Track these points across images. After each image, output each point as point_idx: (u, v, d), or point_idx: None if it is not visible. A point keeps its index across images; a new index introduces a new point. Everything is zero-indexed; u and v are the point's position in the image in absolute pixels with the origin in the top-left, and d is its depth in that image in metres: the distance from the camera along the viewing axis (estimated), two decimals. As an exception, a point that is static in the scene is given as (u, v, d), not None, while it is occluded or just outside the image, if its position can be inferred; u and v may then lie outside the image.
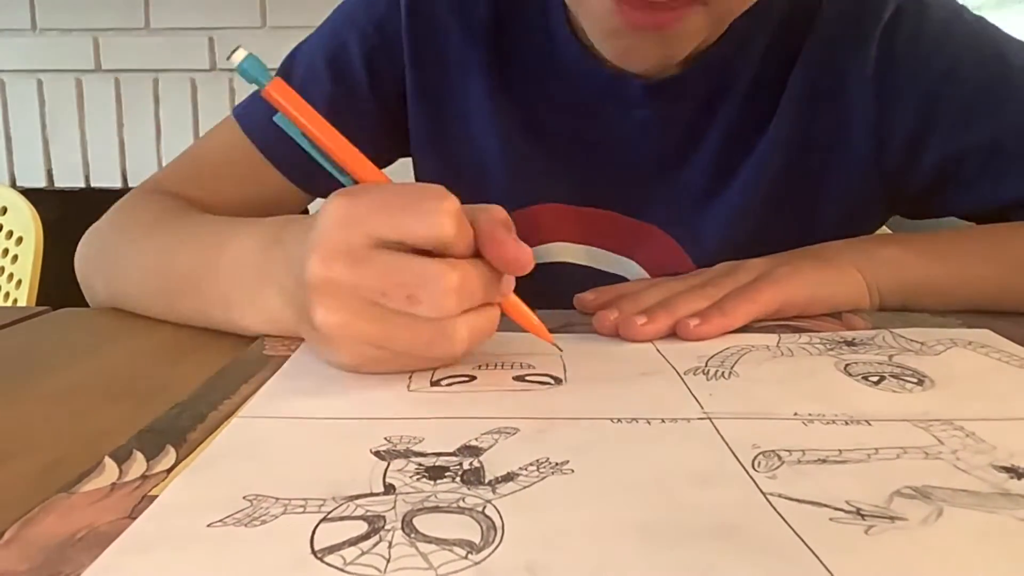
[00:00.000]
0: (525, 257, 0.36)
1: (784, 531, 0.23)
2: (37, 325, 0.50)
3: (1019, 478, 0.27)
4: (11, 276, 1.34)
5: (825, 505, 0.25)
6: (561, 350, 0.41)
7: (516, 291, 0.39)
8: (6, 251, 1.36)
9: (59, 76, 1.94)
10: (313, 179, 0.62)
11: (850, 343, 0.42)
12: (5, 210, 1.38)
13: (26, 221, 1.33)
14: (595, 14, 0.48)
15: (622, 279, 0.63)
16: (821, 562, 0.21)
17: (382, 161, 0.65)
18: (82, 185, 1.96)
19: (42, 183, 1.95)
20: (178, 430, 0.31)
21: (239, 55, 0.37)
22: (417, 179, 0.66)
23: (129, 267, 0.52)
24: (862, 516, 0.24)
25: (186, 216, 0.54)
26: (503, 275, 0.37)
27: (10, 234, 1.36)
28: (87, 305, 0.54)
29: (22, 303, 1.29)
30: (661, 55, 0.50)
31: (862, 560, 0.22)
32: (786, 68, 0.57)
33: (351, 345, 0.35)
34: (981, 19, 0.58)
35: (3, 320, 0.50)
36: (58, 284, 1.25)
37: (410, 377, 0.37)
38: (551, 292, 0.62)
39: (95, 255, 0.57)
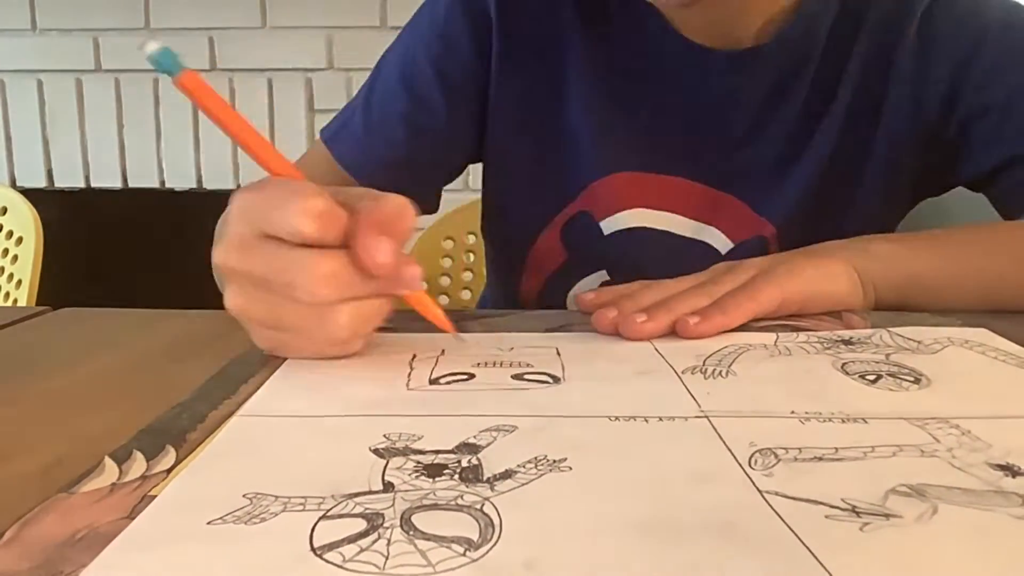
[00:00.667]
0: (383, 259, 0.35)
1: (781, 529, 0.23)
2: (37, 325, 0.50)
3: (1014, 476, 0.27)
4: (11, 276, 1.34)
5: (821, 503, 0.25)
6: (464, 341, 0.42)
7: (600, 255, 0.40)
8: (6, 251, 1.36)
9: (59, 76, 1.94)
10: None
11: (847, 342, 0.42)
12: (5, 210, 1.37)
13: (26, 221, 1.33)
14: None
15: (705, 246, 0.65)
16: (817, 560, 0.22)
17: (452, 170, 0.71)
18: (82, 185, 1.96)
19: (42, 183, 1.96)
20: (178, 430, 0.31)
21: (152, 47, 0.36)
22: (491, 157, 0.69)
23: None
24: (857, 514, 0.24)
25: None
26: (403, 268, 0.37)
27: (10, 234, 1.36)
28: (87, 305, 0.54)
29: (22, 303, 1.29)
30: None
31: (858, 557, 0.22)
32: (848, 45, 0.62)
33: (252, 327, 0.39)
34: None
35: (3, 320, 0.50)
36: (58, 284, 1.25)
37: (409, 376, 0.37)
38: (631, 258, 0.65)
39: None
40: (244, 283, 0.37)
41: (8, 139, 1.97)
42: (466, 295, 1.16)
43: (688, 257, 0.57)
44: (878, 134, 0.62)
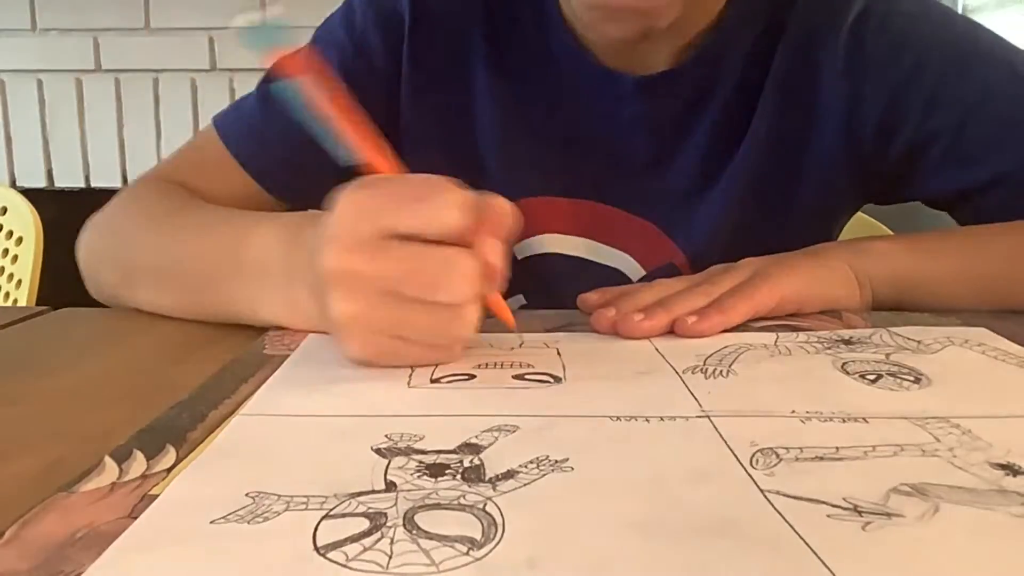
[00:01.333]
0: (501, 263, 0.37)
1: (783, 528, 0.23)
2: (37, 325, 0.50)
3: (1015, 475, 0.27)
4: (11, 276, 1.34)
5: (823, 502, 0.25)
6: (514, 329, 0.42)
7: (515, 280, 0.41)
8: (6, 251, 1.36)
9: (59, 76, 1.94)
10: (286, 187, 0.63)
11: (848, 342, 0.42)
12: (5, 210, 1.37)
13: (26, 221, 1.33)
14: None
15: (616, 272, 0.64)
16: (820, 559, 0.22)
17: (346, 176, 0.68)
18: (82, 185, 1.96)
19: (42, 183, 1.95)
20: (178, 429, 0.31)
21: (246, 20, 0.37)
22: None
23: (143, 258, 0.52)
24: (859, 513, 0.24)
25: (199, 209, 0.55)
26: (498, 269, 0.37)
27: (10, 234, 1.36)
28: (87, 305, 0.54)
29: (22, 303, 1.29)
30: (643, 23, 0.53)
31: (860, 557, 0.22)
32: (766, 65, 0.59)
33: (366, 335, 0.36)
34: (949, 10, 0.60)
35: (3, 320, 0.50)
36: (58, 284, 1.25)
37: (410, 375, 0.37)
38: (544, 283, 0.63)
39: (104, 246, 0.57)
40: (365, 287, 0.35)
41: (8, 139, 1.96)
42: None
43: (599, 282, 0.53)
44: (806, 157, 0.60)
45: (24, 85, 1.94)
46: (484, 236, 0.36)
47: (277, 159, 0.62)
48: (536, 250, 0.65)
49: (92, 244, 0.58)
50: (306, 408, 0.33)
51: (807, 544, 0.22)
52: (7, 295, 1.33)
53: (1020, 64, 0.57)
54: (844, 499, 0.25)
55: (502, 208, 0.37)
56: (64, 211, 1.69)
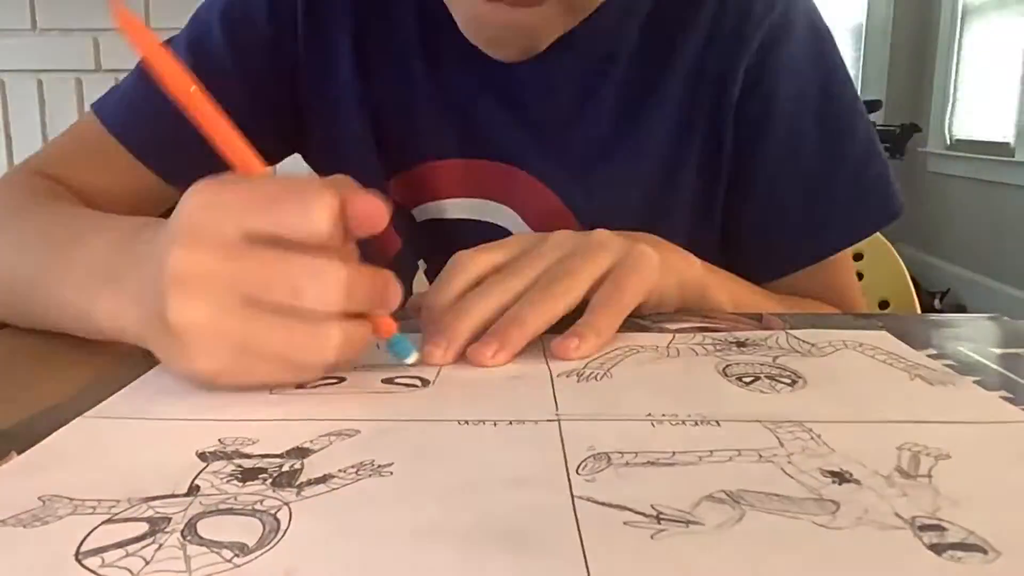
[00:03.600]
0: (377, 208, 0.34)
1: (570, 536, 0.23)
2: None
3: (841, 483, 0.26)
4: None
5: (627, 508, 0.24)
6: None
7: (412, 248, 0.39)
8: None
9: (59, 76, 1.95)
10: (173, 165, 0.60)
11: (741, 344, 0.42)
12: None
13: None
14: (460, 4, 0.52)
15: (505, 230, 0.63)
16: (586, 564, 0.21)
17: (267, 149, 0.66)
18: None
19: None
20: (31, 435, 0.30)
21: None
22: (312, 162, 0.68)
23: None
24: (659, 520, 0.23)
25: (48, 206, 0.51)
26: (388, 287, 0.35)
27: None
28: None
29: None
30: (525, 46, 0.55)
31: (629, 563, 0.21)
32: (670, 42, 0.60)
33: (211, 348, 0.32)
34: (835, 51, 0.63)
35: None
36: None
37: (278, 378, 0.37)
38: (443, 246, 0.62)
39: None
40: (216, 291, 0.32)
41: (8, 139, 1.98)
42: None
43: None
44: (694, 148, 0.61)
45: (24, 85, 1.96)
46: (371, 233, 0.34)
47: (160, 135, 0.58)
48: (434, 214, 0.65)
49: None
50: (153, 411, 0.33)
51: (583, 552, 0.22)
52: None
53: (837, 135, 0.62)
54: (651, 506, 0.24)
55: (374, 203, 0.34)
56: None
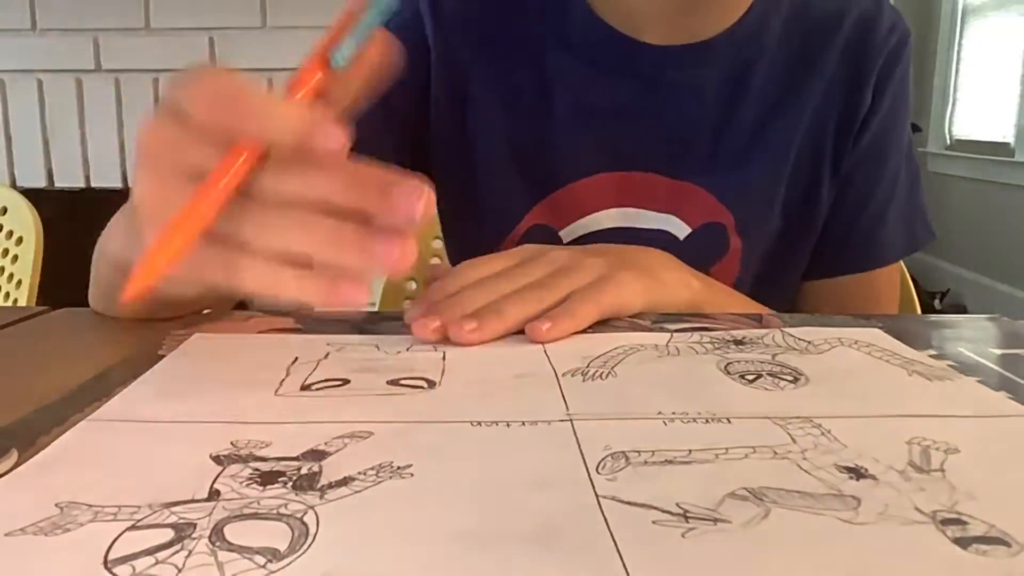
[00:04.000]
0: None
1: (602, 536, 0.23)
2: (37, 325, 0.49)
3: (858, 479, 0.26)
4: (11, 276, 1.33)
5: (653, 507, 0.24)
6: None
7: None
8: (6, 251, 1.35)
9: (59, 76, 1.92)
10: None
11: (739, 342, 0.42)
12: (5, 210, 1.36)
13: (26, 221, 1.32)
14: None
15: (662, 233, 0.65)
16: (623, 563, 0.21)
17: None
18: (82, 185, 1.93)
19: (42, 183, 1.94)
20: (30, 433, 0.30)
21: None
22: (442, 181, 0.68)
23: (98, 258, 0.50)
24: (687, 519, 0.24)
25: None
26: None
27: (10, 234, 1.34)
28: (87, 305, 0.52)
29: (22, 303, 1.28)
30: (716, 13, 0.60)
31: (667, 562, 0.21)
32: (810, 49, 0.64)
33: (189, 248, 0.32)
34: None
35: (3, 320, 0.49)
36: (58, 284, 1.24)
37: (282, 381, 0.36)
38: None
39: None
40: (178, 130, 0.32)
41: (8, 139, 1.95)
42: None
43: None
44: (837, 143, 0.65)
45: (24, 85, 1.92)
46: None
47: None
48: (589, 228, 0.65)
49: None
50: (160, 414, 0.32)
51: (619, 552, 0.22)
52: (7, 295, 1.33)
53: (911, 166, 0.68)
54: (677, 504, 0.25)
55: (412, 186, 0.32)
56: (64, 211, 1.67)
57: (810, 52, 0.63)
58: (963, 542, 0.22)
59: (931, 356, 0.40)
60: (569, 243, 0.65)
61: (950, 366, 0.38)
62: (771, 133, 0.64)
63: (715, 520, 0.24)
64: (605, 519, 0.24)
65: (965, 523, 0.23)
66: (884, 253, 0.68)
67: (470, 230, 0.69)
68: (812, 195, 0.65)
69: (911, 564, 0.21)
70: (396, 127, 0.64)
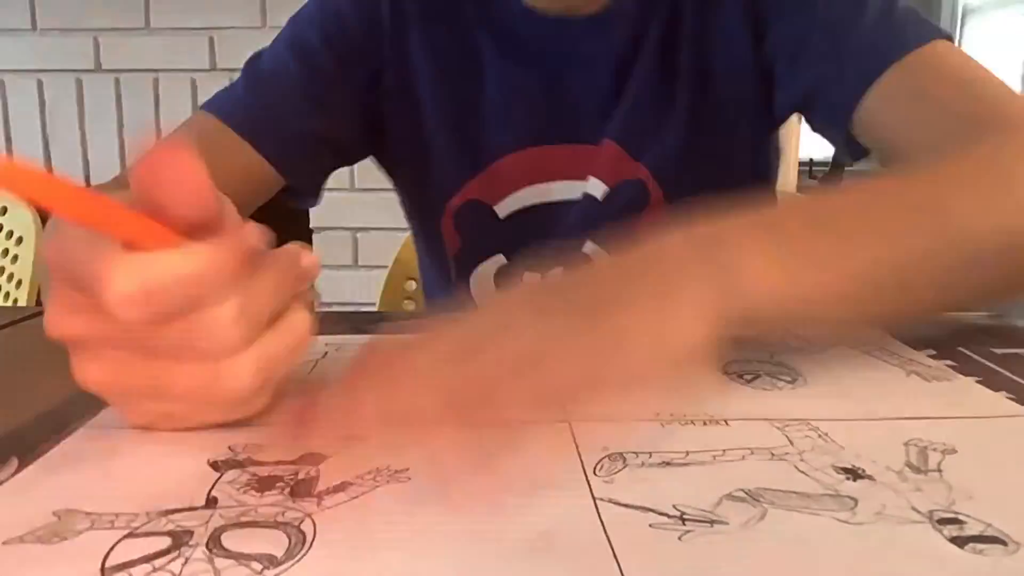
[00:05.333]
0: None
1: (599, 538, 0.23)
2: (37, 325, 0.49)
3: (855, 479, 0.26)
4: (11, 276, 1.34)
5: (651, 510, 0.24)
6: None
7: (492, 243, 0.37)
8: (6, 251, 1.35)
9: (59, 76, 1.92)
10: (287, 157, 0.62)
11: (736, 340, 0.42)
12: (5, 210, 1.36)
13: (26, 221, 1.32)
14: None
15: (587, 197, 0.65)
16: (619, 568, 0.21)
17: (353, 151, 0.69)
18: (82, 185, 1.93)
19: None
20: (31, 440, 0.30)
21: None
22: (397, 160, 0.70)
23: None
24: (683, 521, 0.24)
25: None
26: (297, 273, 0.31)
27: (10, 234, 1.35)
28: None
29: (22, 303, 1.29)
30: None
31: (663, 565, 0.21)
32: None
33: (127, 402, 0.30)
34: None
35: (3, 320, 0.49)
36: None
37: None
38: (522, 237, 0.65)
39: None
40: (99, 349, 0.29)
41: (8, 139, 1.95)
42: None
43: (572, 216, 0.57)
44: (718, 71, 0.62)
45: (24, 85, 1.93)
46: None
47: (275, 131, 0.62)
48: (522, 203, 0.66)
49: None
50: (157, 420, 0.32)
51: (615, 556, 0.22)
52: (7, 295, 1.33)
53: None
54: (674, 506, 0.25)
55: (296, 260, 0.32)
56: (65, 211, 1.68)
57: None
58: (960, 541, 0.22)
59: (930, 356, 0.39)
60: (504, 218, 0.66)
61: (948, 366, 0.38)
62: (675, 83, 0.62)
63: (712, 522, 0.24)
64: (602, 522, 0.24)
65: (962, 522, 0.23)
66: (900, 39, 0.54)
67: (416, 199, 0.72)
68: (734, 105, 0.63)
69: (908, 563, 0.21)
70: (356, 95, 0.65)
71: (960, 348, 0.41)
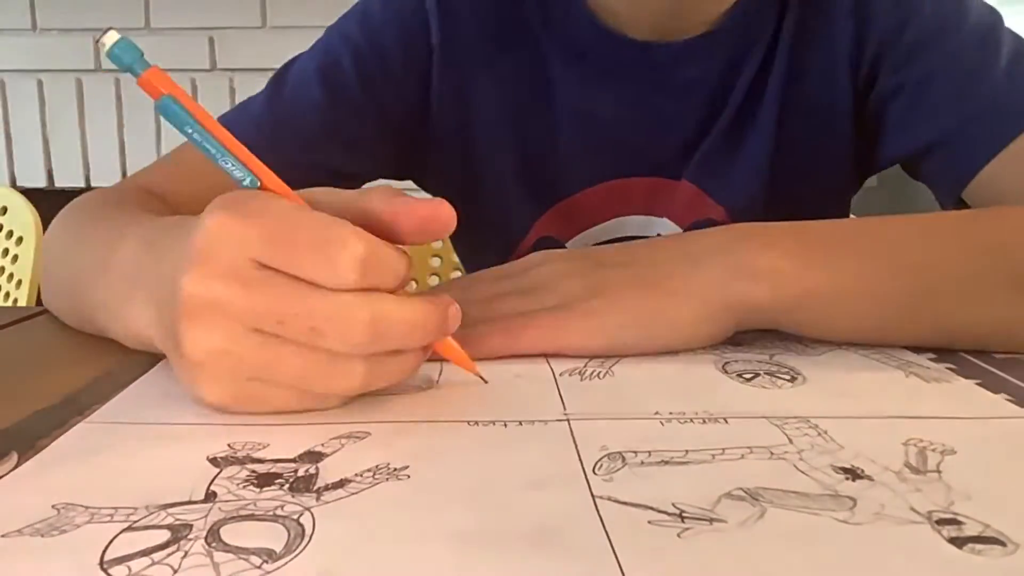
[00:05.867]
0: (441, 210, 0.32)
1: (598, 536, 0.23)
2: (37, 325, 0.49)
3: (854, 479, 0.26)
4: (11, 276, 1.35)
5: (649, 507, 0.24)
6: (486, 381, 0.36)
7: None
8: (6, 251, 1.36)
9: (59, 76, 1.93)
10: (293, 187, 0.61)
11: (735, 343, 0.42)
12: (5, 210, 1.37)
13: (26, 221, 1.33)
14: None
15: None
16: (619, 564, 0.21)
17: (384, 176, 0.66)
18: (82, 185, 1.94)
19: (42, 183, 1.94)
20: (30, 435, 0.30)
21: (110, 37, 0.31)
22: (443, 185, 0.66)
23: (55, 267, 0.49)
24: (683, 519, 0.24)
25: (115, 210, 0.49)
26: (445, 313, 0.33)
27: (10, 234, 1.36)
28: None
29: (22, 303, 1.29)
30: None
31: (662, 561, 0.21)
32: (778, 17, 0.59)
33: (224, 378, 0.31)
34: None
35: (3, 320, 0.49)
36: None
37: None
38: None
39: (45, 248, 0.53)
40: (232, 321, 0.30)
41: (8, 139, 1.95)
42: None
43: None
44: (823, 103, 0.60)
45: (24, 85, 1.93)
46: (393, 227, 0.32)
47: (286, 160, 0.59)
48: (597, 238, 0.64)
49: (44, 238, 0.55)
50: (156, 416, 0.32)
51: (614, 552, 0.22)
52: (7, 295, 1.34)
53: (1001, 43, 0.55)
54: (673, 504, 0.25)
55: (429, 210, 0.33)
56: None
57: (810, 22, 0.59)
58: (958, 542, 0.22)
59: (930, 360, 0.39)
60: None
61: (949, 369, 0.38)
62: (756, 119, 0.60)
63: (711, 520, 0.24)
64: (601, 519, 0.24)
65: (961, 523, 0.23)
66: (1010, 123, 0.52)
67: (476, 238, 0.67)
68: (823, 151, 0.61)
69: (906, 564, 0.21)
70: (390, 131, 0.62)
71: (961, 353, 0.40)
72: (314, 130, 0.60)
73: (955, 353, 0.40)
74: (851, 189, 0.67)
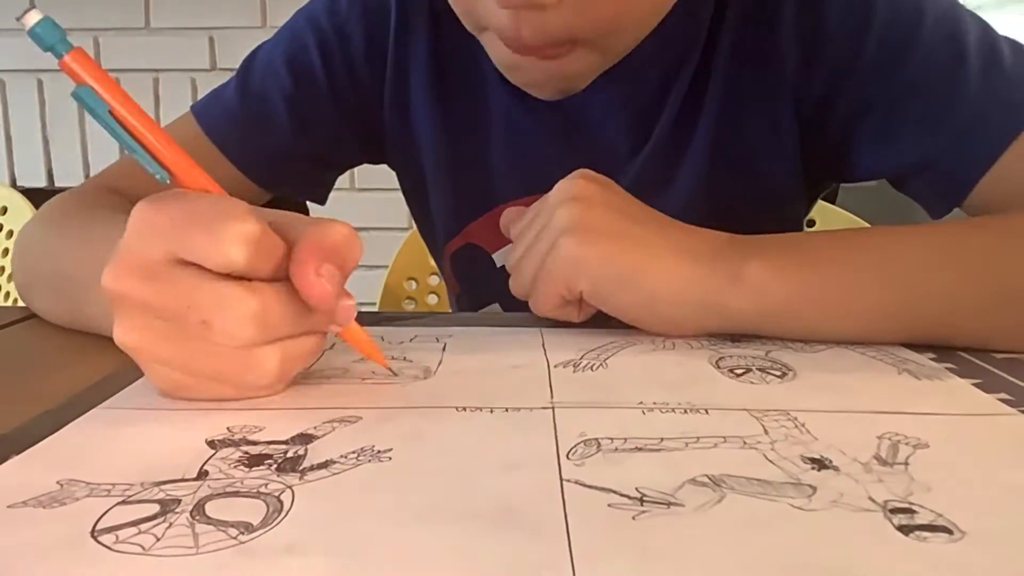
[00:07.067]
0: (324, 294, 0.32)
1: (556, 514, 0.24)
2: (37, 325, 0.49)
3: (820, 469, 0.27)
4: (11, 276, 1.37)
5: (612, 491, 0.25)
6: (396, 374, 0.38)
7: (486, 291, 0.38)
8: (6, 251, 1.39)
9: (59, 76, 1.96)
10: (270, 176, 0.62)
11: (734, 340, 0.43)
12: (5, 210, 1.40)
13: (26, 221, 1.35)
14: (493, 53, 0.50)
15: None
16: (568, 542, 0.22)
17: (351, 164, 0.68)
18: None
19: (42, 183, 1.99)
20: (30, 440, 0.30)
21: (32, 17, 0.31)
22: (399, 174, 0.68)
23: (40, 264, 0.49)
24: (642, 502, 0.25)
25: (99, 211, 0.50)
26: (340, 302, 0.33)
27: (10, 234, 1.38)
28: None
29: (22, 303, 1.31)
30: (562, 87, 0.53)
31: (610, 543, 0.22)
32: (715, 35, 0.56)
33: (153, 367, 0.33)
34: None
35: (3, 320, 0.50)
36: None
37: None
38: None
39: (18, 246, 0.54)
40: (144, 315, 0.31)
41: (8, 139, 1.99)
42: (432, 299, 1.15)
43: None
44: (759, 123, 0.57)
45: (24, 85, 1.97)
46: (303, 266, 0.32)
47: (260, 149, 0.61)
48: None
49: (16, 240, 0.55)
50: (162, 402, 0.34)
51: (568, 533, 0.23)
52: (7, 295, 1.36)
53: (968, 43, 0.53)
54: (636, 489, 0.26)
55: (340, 236, 0.33)
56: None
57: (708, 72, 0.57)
58: (906, 529, 0.23)
59: (931, 359, 0.39)
60: (501, 267, 0.64)
61: (950, 369, 0.38)
62: (692, 139, 0.58)
63: (669, 504, 0.25)
64: (564, 501, 0.25)
65: (914, 512, 0.24)
66: (1020, 109, 0.50)
67: (423, 231, 0.71)
68: (763, 174, 0.58)
69: (850, 548, 0.22)
70: (354, 119, 0.63)
71: (961, 352, 0.40)
72: (285, 119, 0.61)
73: (955, 353, 0.40)
74: (800, 208, 0.65)
